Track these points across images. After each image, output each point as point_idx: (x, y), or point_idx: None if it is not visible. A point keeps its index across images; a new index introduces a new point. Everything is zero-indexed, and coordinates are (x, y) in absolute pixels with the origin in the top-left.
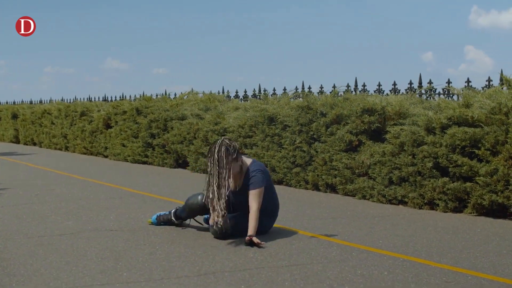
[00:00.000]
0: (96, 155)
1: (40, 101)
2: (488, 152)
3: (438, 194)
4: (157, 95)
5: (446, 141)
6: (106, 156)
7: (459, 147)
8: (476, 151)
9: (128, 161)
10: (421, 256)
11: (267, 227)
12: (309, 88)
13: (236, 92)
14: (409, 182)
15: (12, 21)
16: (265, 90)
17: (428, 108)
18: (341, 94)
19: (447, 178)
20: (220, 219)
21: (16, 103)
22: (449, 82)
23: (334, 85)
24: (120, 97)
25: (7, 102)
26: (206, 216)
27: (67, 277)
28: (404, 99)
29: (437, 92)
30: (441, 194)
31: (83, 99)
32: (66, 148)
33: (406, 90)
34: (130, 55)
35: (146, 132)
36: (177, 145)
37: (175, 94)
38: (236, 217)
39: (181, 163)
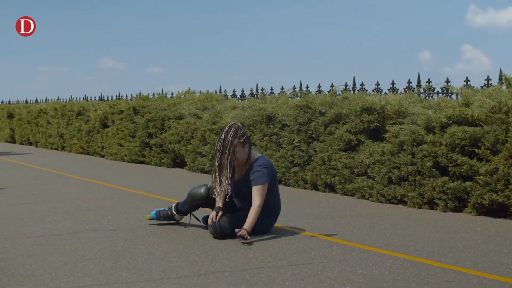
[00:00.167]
0: (92, 155)
1: (36, 101)
2: (488, 151)
3: (438, 194)
4: (153, 95)
5: (446, 140)
6: (103, 156)
7: (459, 146)
8: (476, 150)
9: (125, 161)
10: (422, 255)
11: (268, 227)
12: (307, 87)
13: (234, 91)
14: (409, 182)
15: (10, 20)
16: (262, 89)
17: (428, 107)
18: (339, 93)
19: (447, 178)
20: (218, 189)
21: (11, 102)
22: (447, 81)
23: (332, 84)
24: (116, 97)
25: (2, 102)
26: (204, 216)
27: (66, 277)
28: (403, 98)
29: (435, 91)
30: (440, 194)
31: (79, 98)
32: (63, 148)
33: (404, 89)
34: (126, 54)
35: (143, 131)
36: (175, 144)
37: (172, 94)
38: (236, 216)
39: (178, 162)
